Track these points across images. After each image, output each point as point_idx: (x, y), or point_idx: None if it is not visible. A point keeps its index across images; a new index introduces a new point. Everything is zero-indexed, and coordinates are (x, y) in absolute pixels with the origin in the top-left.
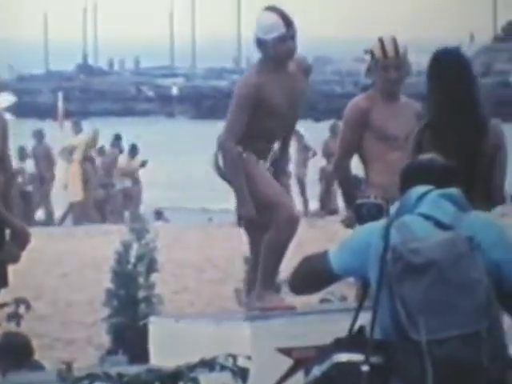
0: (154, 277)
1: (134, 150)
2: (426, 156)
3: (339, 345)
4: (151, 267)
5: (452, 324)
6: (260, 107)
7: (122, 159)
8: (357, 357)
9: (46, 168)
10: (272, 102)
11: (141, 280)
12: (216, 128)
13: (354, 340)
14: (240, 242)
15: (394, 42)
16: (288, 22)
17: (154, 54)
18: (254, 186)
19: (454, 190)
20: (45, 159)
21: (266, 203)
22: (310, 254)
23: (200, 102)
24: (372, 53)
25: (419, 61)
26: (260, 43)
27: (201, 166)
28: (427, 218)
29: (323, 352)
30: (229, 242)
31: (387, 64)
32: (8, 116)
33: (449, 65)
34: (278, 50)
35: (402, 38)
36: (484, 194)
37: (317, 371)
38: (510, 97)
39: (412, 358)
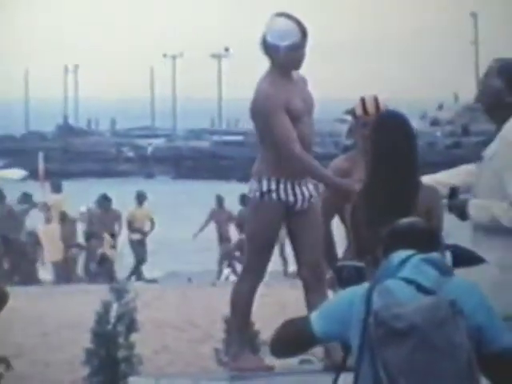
0: (133, 336)
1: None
2: (407, 219)
3: None
4: (131, 327)
5: None
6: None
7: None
8: None
9: (10, 228)
10: (290, 107)
11: (121, 340)
12: (196, 188)
13: None
14: (219, 302)
15: (376, 99)
16: (304, 31)
17: (135, 114)
18: None
19: (435, 255)
20: (8, 219)
21: None
22: (292, 318)
23: (180, 163)
24: (353, 112)
25: None
26: (271, 48)
27: (180, 227)
28: (409, 282)
29: None
30: (208, 302)
31: (369, 121)
32: None
33: (391, 129)
34: (289, 57)
35: (385, 97)
36: None
37: None
38: None
39: None
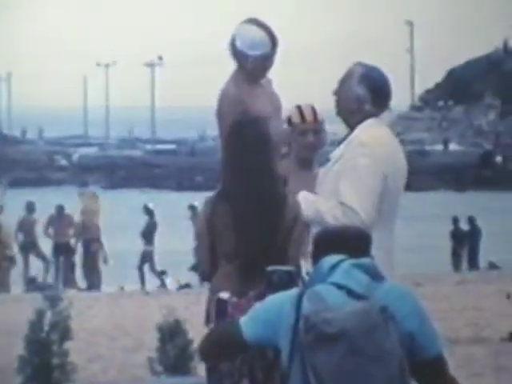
0: (67, 344)
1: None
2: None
3: None
4: (65, 335)
5: None
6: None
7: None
8: None
9: None
10: (254, 110)
11: (54, 347)
12: (129, 197)
13: None
14: (152, 310)
15: (313, 108)
16: (275, 42)
17: (68, 122)
18: None
19: (367, 260)
20: None
21: None
22: (221, 323)
23: (113, 172)
24: (289, 119)
25: (335, 130)
26: (239, 54)
27: (111, 235)
28: (340, 287)
29: None
30: (141, 310)
31: (305, 129)
32: None
33: (246, 135)
34: (257, 66)
35: (319, 106)
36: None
37: None
38: (426, 166)
39: None
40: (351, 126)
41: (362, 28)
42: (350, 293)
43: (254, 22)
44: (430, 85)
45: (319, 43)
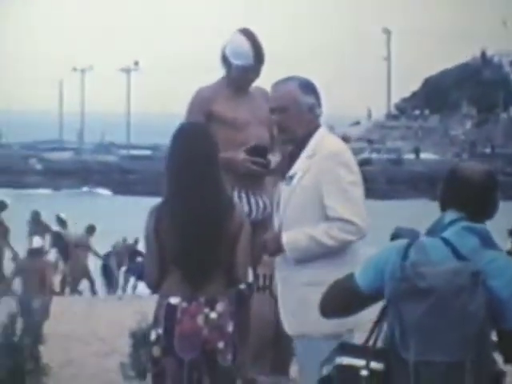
0: (39, 349)
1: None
2: (465, 169)
3: (343, 349)
4: (37, 339)
5: (440, 350)
6: (213, 118)
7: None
8: (358, 361)
9: None
10: (227, 114)
11: (27, 352)
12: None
13: (358, 346)
14: (125, 315)
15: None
16: (259, 56)
17: (42, 127)
18: None
19: (481, 226)
20: None
21: None
22: (338, 278)
23: (88, 176)
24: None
25: None
26: (225, 61)
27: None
28: (447, 243)
29: (331, 353)
30: (114, 315)
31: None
32: None
33: (188, 141)
34: (239, 75)
35: None
36: (226, 275)
37: (324, 370)
38: (402, 174)
39: (400, 374)
40: (298, 141)
41: (339, 35)
42: (455, 251)
43: (245, 32)
44: (407, 93)
45: (301, 51)
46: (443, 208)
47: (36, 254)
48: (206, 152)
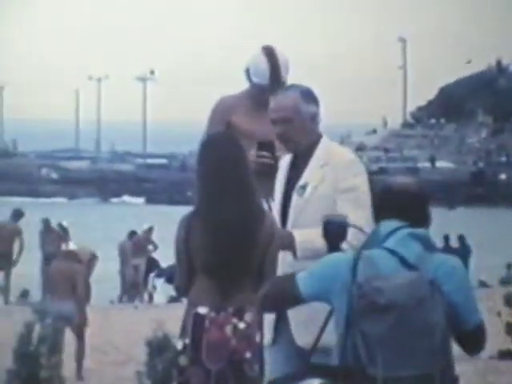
0: (56, 358)
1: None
2: (400, 182)
3: (310, 371)
4: (54, 348)
5: (408, 364)
6: (232, 128)
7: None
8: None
9: None
10: (243, 126)
11: (43, 361)
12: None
13: (327, 368)
14: (141, 324)
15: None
16: (277, 76)
17: (59, 136)
18: None
19: (422, 231)
20: None
21: None
22: (280, 276)
23: (104, 185)
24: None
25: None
26: (248, 76)
27: (104, 247)
28: (393, 254)
29: (296, 376)
30: (130, 324)
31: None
32: None
33: (217, 150)
34: (257, 93)
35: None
36: (255, 284)
37: None
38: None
39: None
40: (300, 150)
41: (354, 44)
42: (402, 261)
43: (266, 51)
44: (423, 102)
45: (315, 60)
46: (378, 220)
47: (69, 257)
48: (236, 160)
